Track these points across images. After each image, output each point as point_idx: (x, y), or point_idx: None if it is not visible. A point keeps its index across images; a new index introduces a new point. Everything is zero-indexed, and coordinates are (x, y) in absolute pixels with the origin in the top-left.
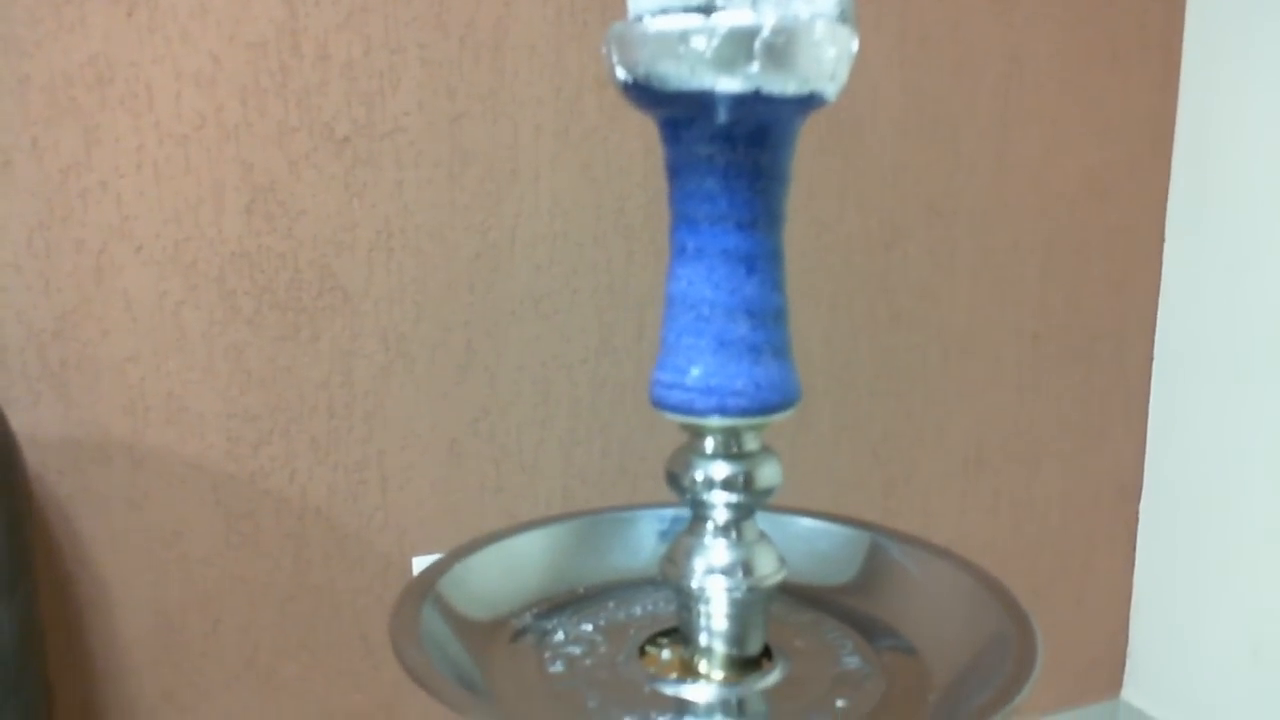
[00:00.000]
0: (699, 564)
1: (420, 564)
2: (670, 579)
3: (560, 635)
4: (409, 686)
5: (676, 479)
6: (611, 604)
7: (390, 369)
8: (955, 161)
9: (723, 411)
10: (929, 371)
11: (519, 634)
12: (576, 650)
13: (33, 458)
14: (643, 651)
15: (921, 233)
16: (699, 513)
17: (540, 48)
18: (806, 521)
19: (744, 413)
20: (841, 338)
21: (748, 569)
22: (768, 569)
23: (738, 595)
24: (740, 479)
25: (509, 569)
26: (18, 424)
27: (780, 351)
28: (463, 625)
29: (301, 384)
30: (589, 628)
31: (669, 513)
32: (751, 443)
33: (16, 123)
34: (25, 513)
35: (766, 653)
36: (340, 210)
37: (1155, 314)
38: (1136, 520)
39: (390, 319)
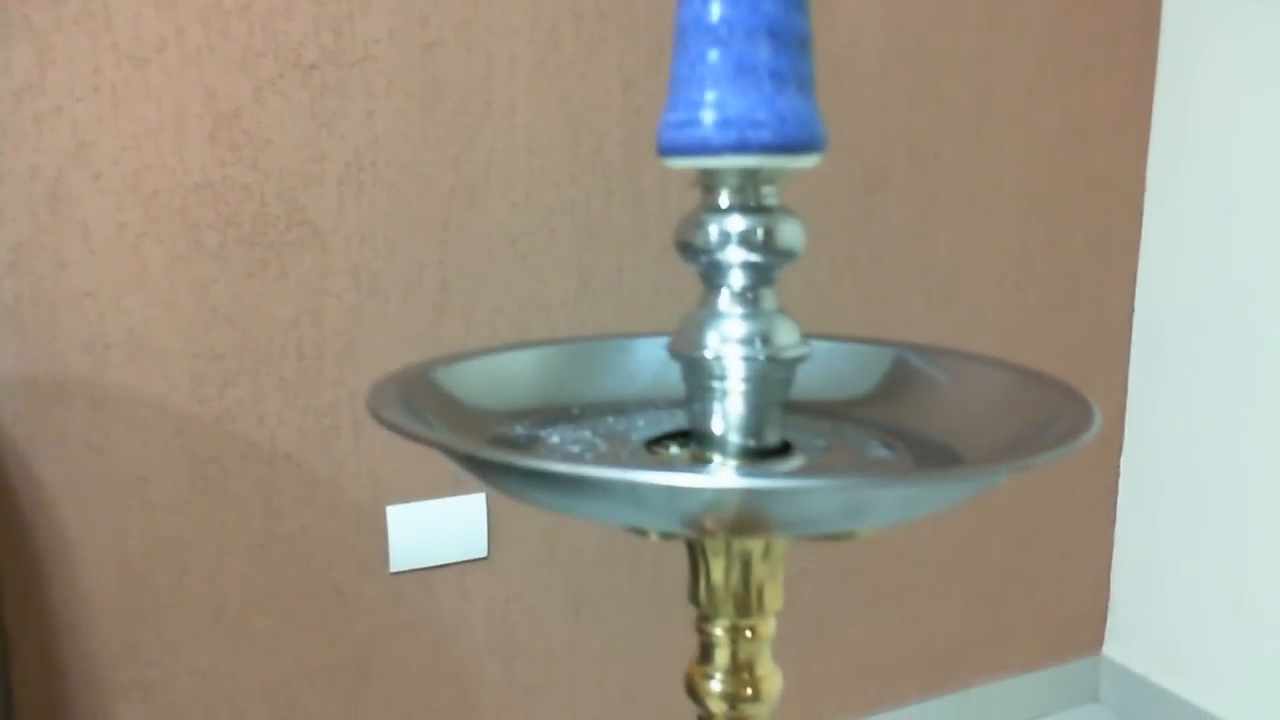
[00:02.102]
0: (713, 335)
1: (395, 513)
2: (680, 353)
3: (556, 439)
4: (384, 640)
5: (687, 242)
6: (610, 419)
7: (361, 308)
8: (938, 103)
9: (743, 146)
10: (911, 319)
11: (509, 440)
12: (575, 449)
13: None
14: (649, 450)
15: (903, 176)
16: (713, 280)
17: None
18: (821, 344)
19: (766, 148)
20: (823, 283)
21: (766, 339)
22: (789, 339)
23: (756, 367)
24: (759, 234)
25: (496, 383)
26: None
27: (805, 85)
28: (448, 419)
29: (269, 323)
30: (588, 434)
31: (666, 340)
32: (771, 197)
33: None
34: None
35: (785, 450)
36: (308, 141)
37: (1136, 263)
38: (1118, 474)
39: (361, 256)
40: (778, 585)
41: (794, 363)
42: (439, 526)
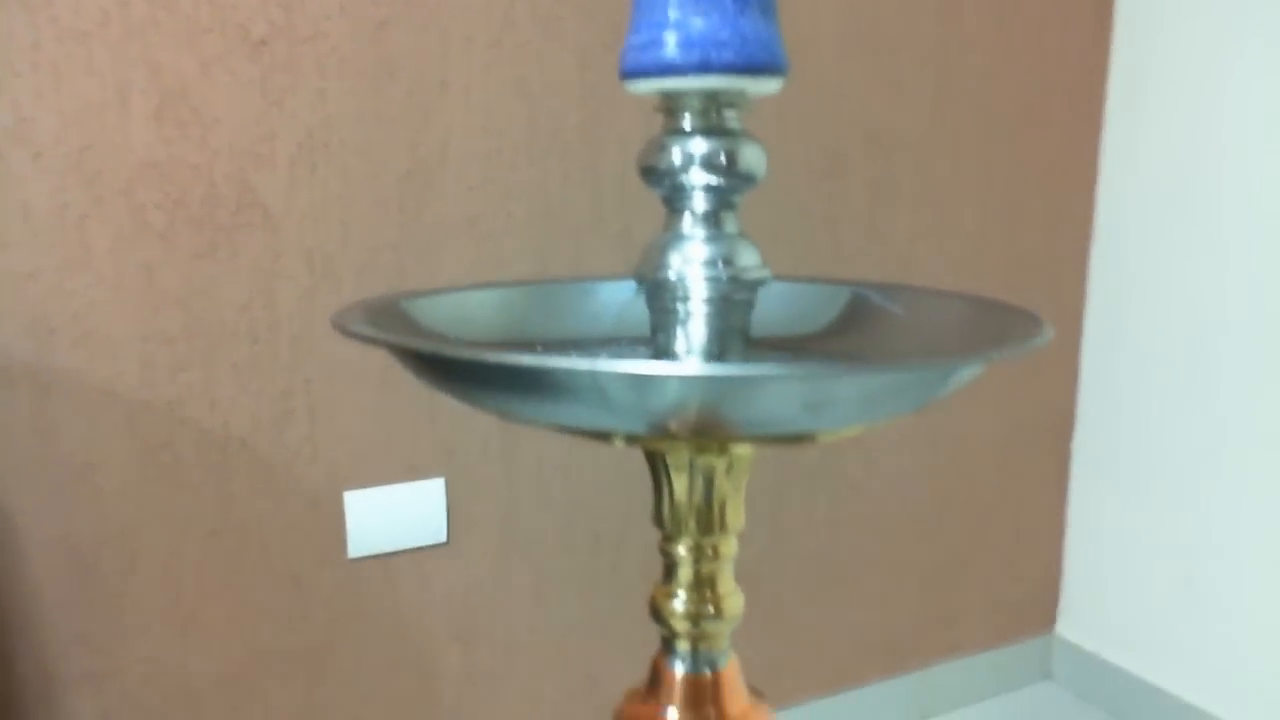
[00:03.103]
0: (675, 256)
1: (353, 499)
2: (643, 275)
3: None
4: (342, 627)
5: (650, 166)
6: (574, 354)
7: (315, 291)
8: (896, 90)
9: (705, 67)
10: None
11: None
12: None
13: None
14: None
15: (862, 163)
16: (676, 204)
17: None
18: (779, 285)
19: (729, 68)
20: (780, 269)
21: (729, 260)
22: (751, 261)
23: (719, 287)
24: (721, 156)
25: (462, 319)
26: None
27: (767, 8)
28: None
29: (220, 306)
30: None
31: (631, 284)
32: (733, 120)
33: None
34: None
35: None
36: (258, 119)
37: (1089, 250)
38: (1069, 456)
39: (315, 238)
40: (739, 503)
41: (756, 284)
42: (397, 512)
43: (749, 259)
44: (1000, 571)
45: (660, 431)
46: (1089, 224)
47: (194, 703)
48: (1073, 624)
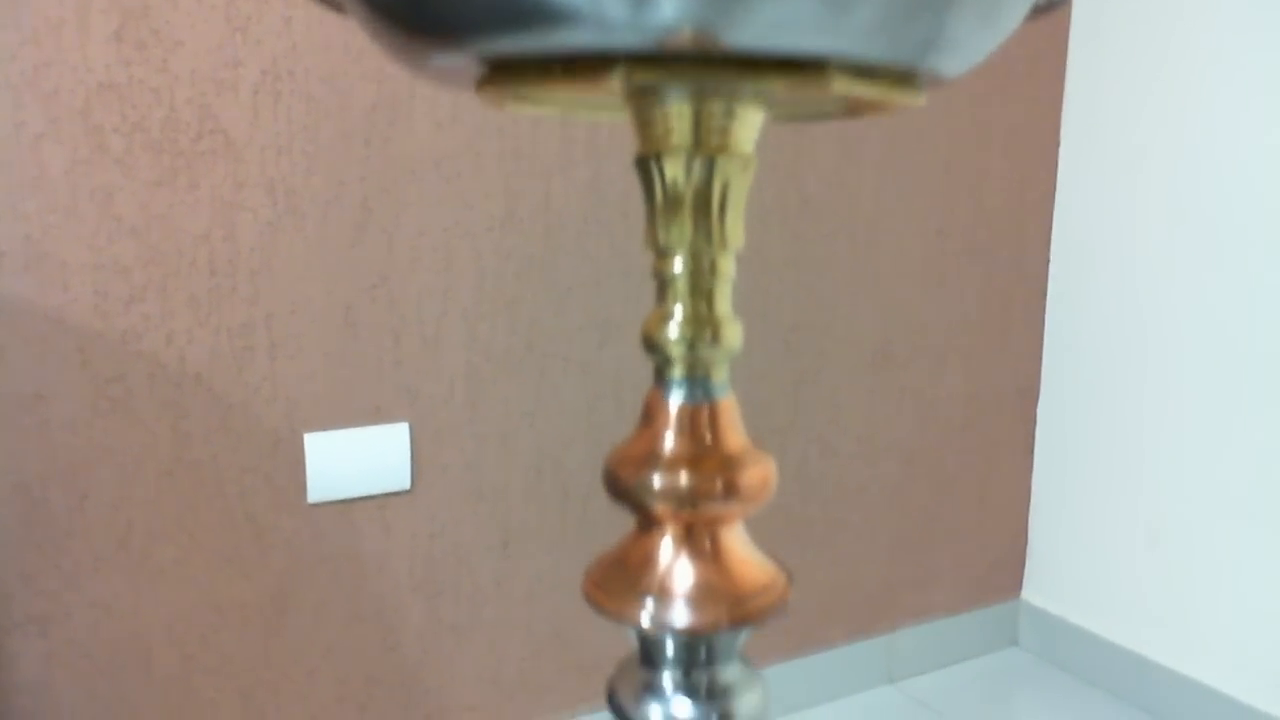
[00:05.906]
0: None
1: (313, 441)
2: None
3: None
4: (301, 574)
5: None
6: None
7: (278, 224)
8: None
9: None
10: (838, 261)
11: None
12: None
13: None
14: None
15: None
16: None
17: None
18: None
19: None
20: (753, 222)
21: None
22: None
23: None
24: None
25: None
26: None
27: None
28: None
29: (179, 235)
30: None
31: None
32: None
33: None
34: None
35: None
36: (221, 44)
37: (1052, 213)
38: (1034, 422)
39: (278, 170)
40: (739, 212)
41: None
42: (359, 456)
43: None
44: (967, 536)
45: (657, 47)
46: (1051, 188)
47: (144, 650)
48: (1039, 590)
